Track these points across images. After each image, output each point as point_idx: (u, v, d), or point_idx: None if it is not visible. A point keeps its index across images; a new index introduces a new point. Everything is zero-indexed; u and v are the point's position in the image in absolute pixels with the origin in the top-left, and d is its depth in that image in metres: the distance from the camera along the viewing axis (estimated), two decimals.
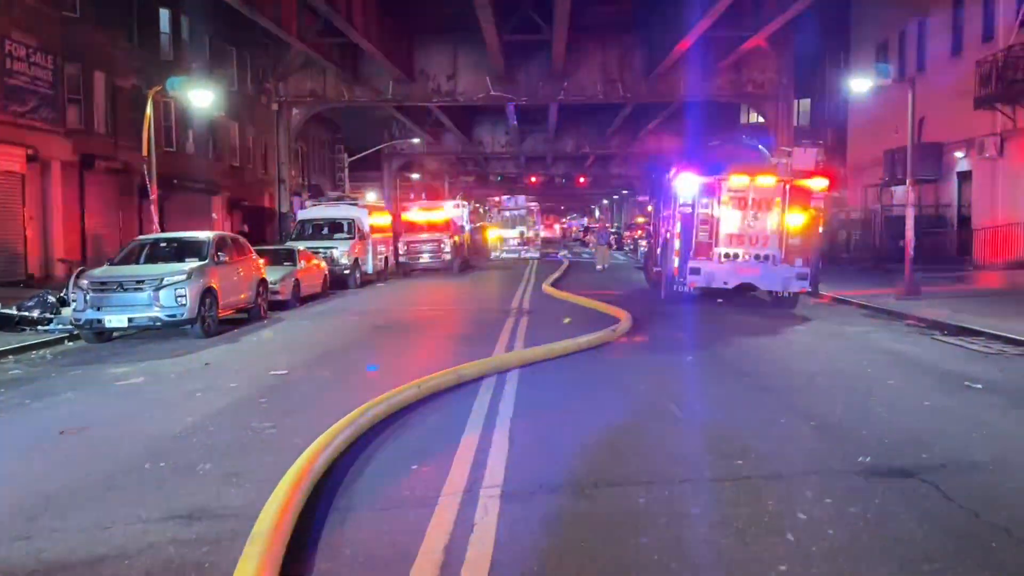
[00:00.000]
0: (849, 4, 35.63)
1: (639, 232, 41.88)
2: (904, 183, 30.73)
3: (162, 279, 13.81)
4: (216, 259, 15.13)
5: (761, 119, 32.29)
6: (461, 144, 48.18)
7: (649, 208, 54.53)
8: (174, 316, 13.72)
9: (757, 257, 16.84)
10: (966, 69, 25.70)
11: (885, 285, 21.64)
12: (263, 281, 17.41)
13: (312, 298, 20.97)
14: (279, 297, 19.01)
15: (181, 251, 15.60)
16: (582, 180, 69.16)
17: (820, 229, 16.76)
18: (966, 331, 13.68)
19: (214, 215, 36.68)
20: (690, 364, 10.87)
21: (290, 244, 25.11)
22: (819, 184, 16.74)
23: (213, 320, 14.52)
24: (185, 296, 13.74)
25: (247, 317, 16.67)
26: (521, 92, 30.26)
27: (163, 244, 16.11)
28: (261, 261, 17.82)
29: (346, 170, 43.88)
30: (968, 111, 25.30)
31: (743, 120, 43.70)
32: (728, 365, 10.79)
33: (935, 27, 29.03)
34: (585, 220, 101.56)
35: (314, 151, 50.37)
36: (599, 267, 32.88)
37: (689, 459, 6.36)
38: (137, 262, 15.46)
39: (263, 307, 17.24)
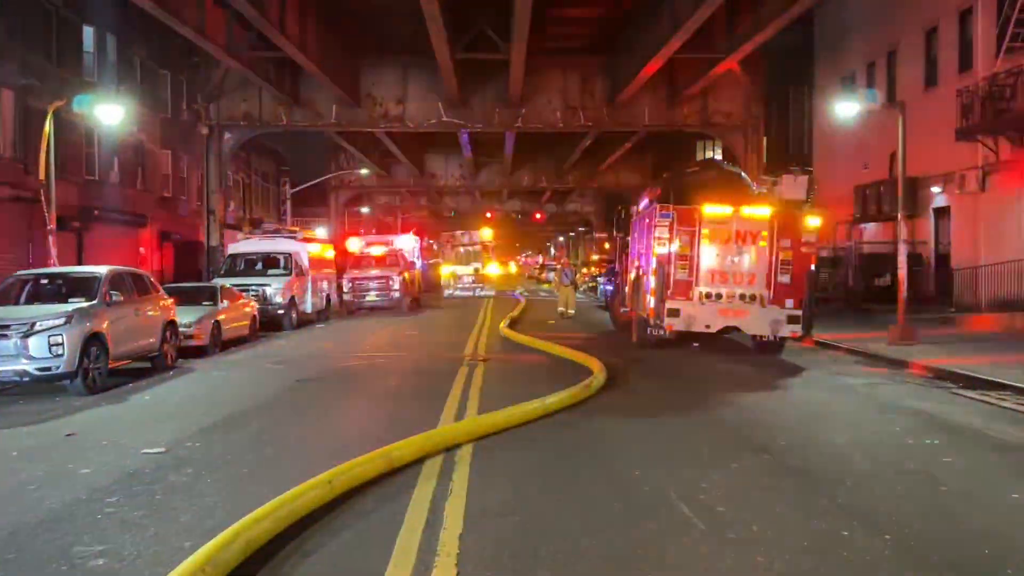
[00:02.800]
0: (813, 37, 34.62)
1: (595, 270, 39.96)
2: (878, 219, 29.73)
3: (33, 324, 11.25)
4: (108, 299, 12.59)
5: (718, 155, 30.71)
6: (413, 177, 46.06)
7: (607, 245, 52.57)
8: (47, 369, 11.17)
9: (743, 297, 14.86)
10: (942, 100, 24.44)
11: (866, 327, 20.07)
12: (171, 324, 14.89)
13: (237, 342, 18.48)
14: (194, 343, 16.49)
15: (67, 289, 13.01)
16: (539, 216, 67.45)
17: (813, 266, 14.86)
18: (984, 383, 12.06)
19: (141, 249, 33.85)
20: (689, 433, 8.66)
21: (217, 281, 22.61)
22: (811, 215, 14.87)
23: (100, 373, 11.96)
24: (62, 344, 11.19)
25: (151, 366, 14.12)
26: (476, 119, 28.23)
27: (46, 281, 13.47)
28: (170, 301, 15.30)
29: (288, 202, 41.16)
30: (945, 144, 23.97)
31: (699, 157, 42.38)
32: (735, 434, 8.62)
33: (906, 58, 27.88)
34: (541, 258, 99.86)
35: (257, 183, 47.71)
36: (563, 311, 25.17)
37: None
38: (16, 302, 12.84)
39: (170, 355, 14.71)
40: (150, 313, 14.02)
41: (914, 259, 28.14)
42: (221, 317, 17.72)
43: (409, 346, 18.33)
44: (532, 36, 21.19)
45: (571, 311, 25.22)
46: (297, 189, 41.07)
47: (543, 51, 25.07)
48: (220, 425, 9.10)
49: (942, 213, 26.26)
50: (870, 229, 30.60)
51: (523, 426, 8.62)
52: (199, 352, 16.47)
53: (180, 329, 16.13)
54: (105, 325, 12.24)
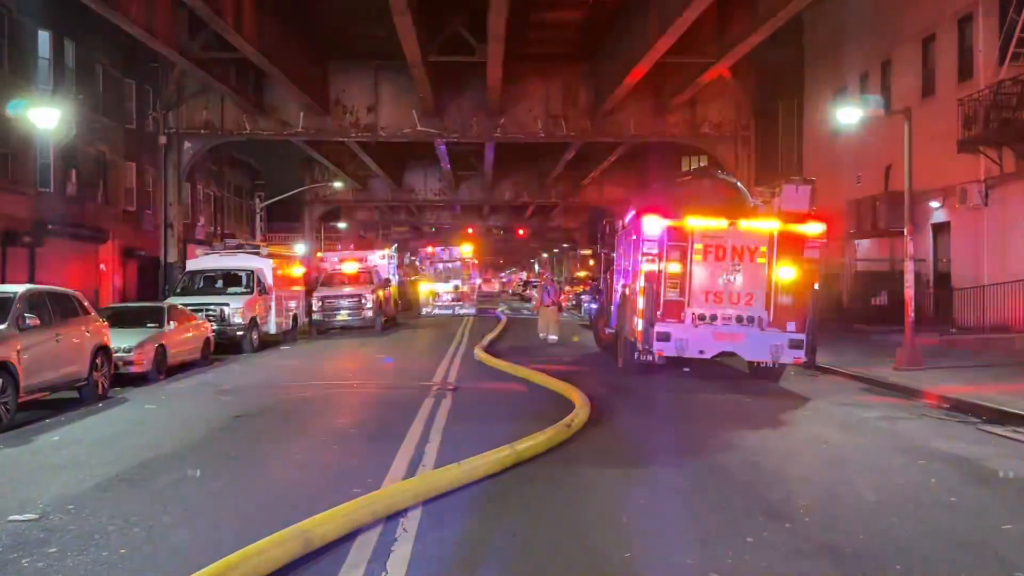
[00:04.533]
0: (801, 50, 33.54)
1: (580, 287, 38.51)
2: (873, 235, 28.53)
3: None
4: (20, 323, 11.00)
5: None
6: (391, 191, 44.55)
7: (591, 262, 51.16)
8: None
9: (739, 320, 13.45)
10: (940, 111, 23.27)
11: (866, 350, 18.85)
12: (103, 350, 13.27)
13: (187, 367, 16.90)
14: (134, 369, 14.89)
15: None
16: (521, 232, 66.09)
17: (816, 285, 13.50)
18: (1013, 417, 10.78)
19: (102, 266, 32.14)
20: (688, 489, 7.17)
21: (171, 300, 21.00)
22: (814, 229, 13.51)
23: (7, 408, 10.35)
24: None
25: (78, 397, 12.52)
26: (452, 128, 26.77)
27: None
28: (103, 323, 13.71)
29: (257, 216, 39.51)
30: (944, 157, 22.78)
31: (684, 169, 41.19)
32: (745, 490, 7.14)
33: (902, 68, 26.77)
34: (524, 274, 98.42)
35: (229, 197, 46.09)
36: (545, 336, 21.94)
37: None
38: None
39: (102, 384, 13.09)
40: (75, 338, 12.40)
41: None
42: (167, 340, 16.12)
43: (375, 371, 16.80)
44: (511, 41, 19.84)
45: (553, 336, 21.64)
46: (267, 203, 39.43)
47: (523, 57, 23.75)
48: (123, 478, 7.53)
49: (941, 229, 25.05)
50: (864, 246, 29.40)
51: (489, 479, 7.13)
52: (141, 379, 14.91)
53: (118, 355, 14.61)
54: (15, 353, 10.64)
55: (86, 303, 13.50)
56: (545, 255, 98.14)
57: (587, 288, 34.85)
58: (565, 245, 78.49)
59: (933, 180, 24.02)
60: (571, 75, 26.23)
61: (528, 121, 26.58)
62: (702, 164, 34.87)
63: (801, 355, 13.36)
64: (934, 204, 24.73)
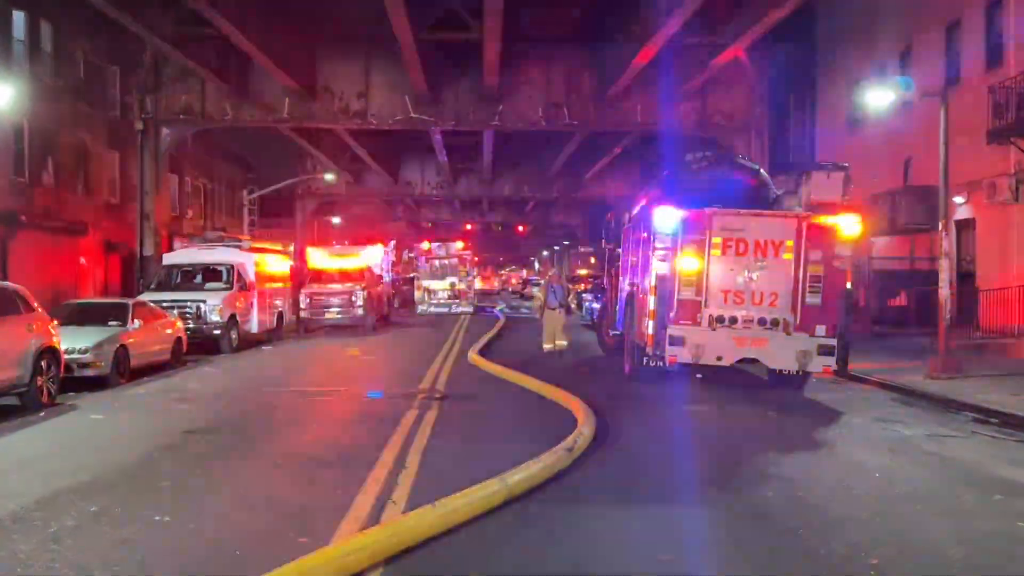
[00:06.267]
0: (813, 41, 32.07)
1: (582, 286, 37.04)
2: (892, 233, 27.08)
3: None
4: None
5: None
6: (387, 185, 43.04)
7: (593, 260, 49.36)
8: None
9: (763, 323, 12.00)
10: (966, 101, 21.77)
11: (891, 355, 17.46)
12: (49, 351, 11.83)
13: (156, 369, 15.51)
14: (90, 372, 13.47)
15: None
16: (521, 228, 64.58)
17: (848, 284, 12.06)
18: None
19: (82, 260, 30.69)
20: (724, 540, 5.71)
21: (145, 296, 19.60)
22: (848, 221, 12.06)
23: None
24: None
25: (19, 404, 11.11)
26: (448, 115, 25.24)
27: None
28: (51, 322, 12.28)
29: (246, 209, 38.02)
30: (969, 149, 21.26)
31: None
32: (794, 542, 5.68)
33: (923, 57, 25.31)
34: (524, 272, 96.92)
35: (220, 190, 44.58)
36: (551, 348, 17.58)
37: None
38: None
39: (46, 390, 11.66)
40: (11, 339, 10.97)
41: (931, 277, 25.53)
42: (130, 340, 14.67)
43: (358, 376, 15.37)
44: (509, 17, 18.33)
45: (562, 343, 17.58)
46: (255, 194, 37.88)
47: (522, 39, 22.25)
48: (18, 517, 6.07)
49: (965, 226, 23.57)
50: (881, 243, 27.93)
51: (471, 525, 5.69)
52: (100, 383, 13.49)
53: (73, 356, 13.23)
54: None
55: (30, 299, 12.06)
56: (545, 253, 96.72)
57: (587, 286, 33.42)
58: (566, 242, 77.05)
59: (957, 174, 22.33)
60: (573, 59, 24.69)
61: (528, 109, 25.07)
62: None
63: (831, 363, 11.90)
64: (958, 200, 23.20)
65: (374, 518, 5.90)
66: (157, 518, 5.98)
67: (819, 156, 31.73)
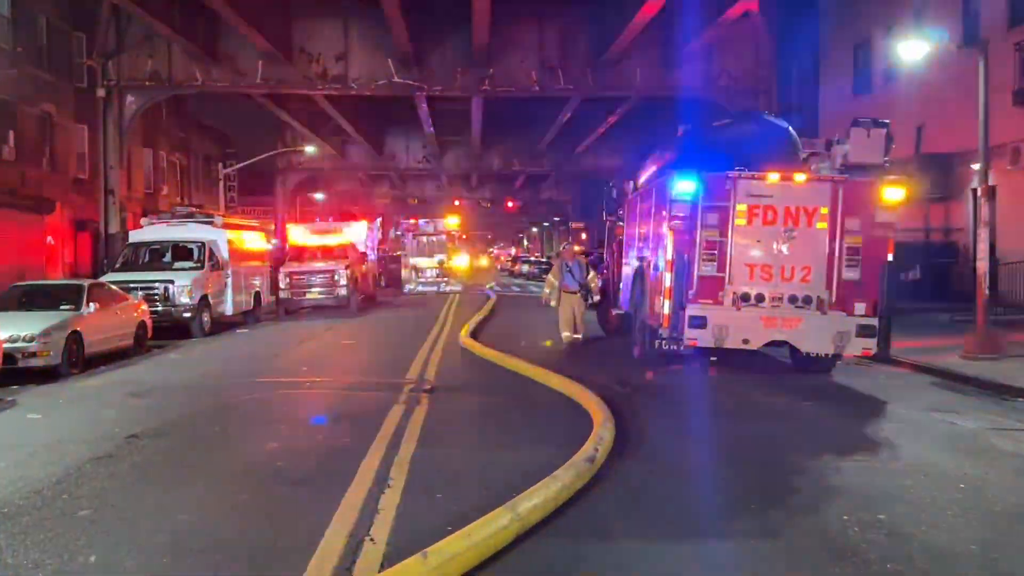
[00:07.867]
0: (817, 3, 30.52)
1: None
2: (905, 202, 25.79)
3: None
4: None
5: None
6: (371, 159, 41.35)
7: (584, 235, 47.80)
8: None
9: (794, 300, 10.66)
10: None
11: (916, 332, 16.13)
12: None
13: (116, 357, 14.05)
14: (38, 362, 12.05)
15: None
16: (511, 204, 62.97)
17: (890, 256, 10.72)
18: None
19: (49, 239, 29.04)
20: None
21: (109, 276, 18.11)
22: (891, 185, 10.69)
23: None
24: None
25: None
26: (434, 80, 23.59)
27: None
28: None
29: (222, 183, 36.28)
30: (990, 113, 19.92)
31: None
32: None
33: (936, 16, 23.86)
34: (514, 249, 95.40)
35: (197, 166, 42.76)
36: (570, 336, 14.95)
37: None
38: None
39: None
40: None
41: (947, 248, 24.29)
42: (84, 326, 13.20)
43: (338, 364, 13.93)
44: None
45: (579, 334, 15.00)
46: (231, 168, 36.12)
47: None
48: None
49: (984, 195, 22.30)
50: (889, 215, 26.63)
51: (478, 571, 4.31)
52: (50, 374, 12.08)
53: (16, 344, 11.91)
54: None
55: None
56: (534, 230, 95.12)
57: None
58: (556, 218, 75.52)
59: (975, 140, 21.25)
60: (569, 17, 23.05)
61: (520, 73, 23.45)
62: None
63: (872, 345, 10.59)
64: (975, 167, 21.97)
65: (349, 562, 4.51)
66: (56, 566, 4.53)
67: (823, 124, 30.34)
